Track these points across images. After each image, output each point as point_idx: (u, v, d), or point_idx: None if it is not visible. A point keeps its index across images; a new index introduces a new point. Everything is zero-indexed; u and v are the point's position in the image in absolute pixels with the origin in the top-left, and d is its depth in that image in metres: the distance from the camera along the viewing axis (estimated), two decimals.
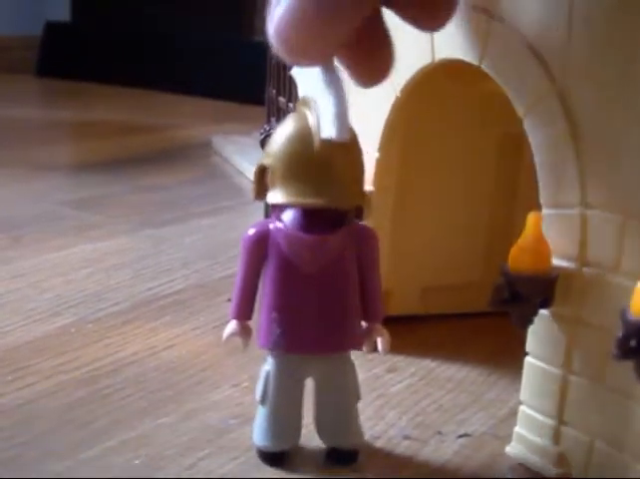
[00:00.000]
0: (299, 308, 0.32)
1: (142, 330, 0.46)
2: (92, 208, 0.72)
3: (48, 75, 1.64)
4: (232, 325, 0.34)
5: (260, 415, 0.34)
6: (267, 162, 0.32)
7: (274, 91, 0.60)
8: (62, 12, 1.69)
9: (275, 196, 0.32)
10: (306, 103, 0.32)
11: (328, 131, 0.31)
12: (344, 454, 0.34)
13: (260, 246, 0.33)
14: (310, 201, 0.31)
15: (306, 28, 0.27)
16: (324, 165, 0.31)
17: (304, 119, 0.31)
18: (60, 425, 0.36)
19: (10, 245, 0.60)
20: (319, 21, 0.27)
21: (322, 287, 0.32)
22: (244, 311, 0.34)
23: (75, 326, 0.46)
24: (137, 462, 0.33)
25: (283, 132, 0.32)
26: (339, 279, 0.33)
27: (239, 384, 0.40)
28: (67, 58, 1.64)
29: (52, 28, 1.69)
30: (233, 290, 0.34)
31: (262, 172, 0.32)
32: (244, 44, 1.42)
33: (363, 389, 0.40)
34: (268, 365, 0.33)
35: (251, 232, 0.33)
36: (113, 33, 1.59)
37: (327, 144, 0.31)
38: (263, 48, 0.65)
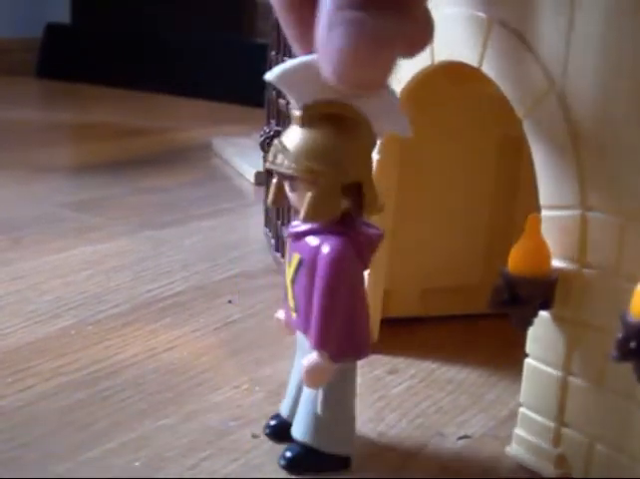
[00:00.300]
0: (367, 308, 0.33)
1: (142, 332, 0.46)
2: (92, 210, 0.72)
3: (48, 77, 1.64)
4: (326, 359, 0.31)
5: (340, 424, 0.33)
6: (357, 177, 0.30)
7: (274, 93, 0.60)
8: (62, 14, 1.69)
9: (378, 205, 0.31)
10: (349, 109, 0.31)
11: (406, 129, 0.32)
12: None
13: (355, 262, 0.31)
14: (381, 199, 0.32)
15: (363, 63, 0.28)
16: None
17: (360, 123, 0.31)
18: (60, 427, 0.36)
19: (10, 247, 0.60)
20: (372, 54, 0.28)
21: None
22: (337, 339, 0.31)
23: (75, 328, 0.46)
24: (137, 464, 0.33)
25: (355, 143, 0.30)
26: None
27: (240, 386, 0.40)
28: (67, 60, 1.64)
29: (52, 30, 1.69)
30: (326, 318, 0.30)
31: (350, 188, 0.31)
32: (244, 45, 1.42)
33: (364, 391, 0.40)
34: (339, 376, 0.32)
35: (347, 250, 0.31)
36: (113, 35, 1.59)
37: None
38: (263, 49, 0.65)
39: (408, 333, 0.47)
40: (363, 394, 0.39)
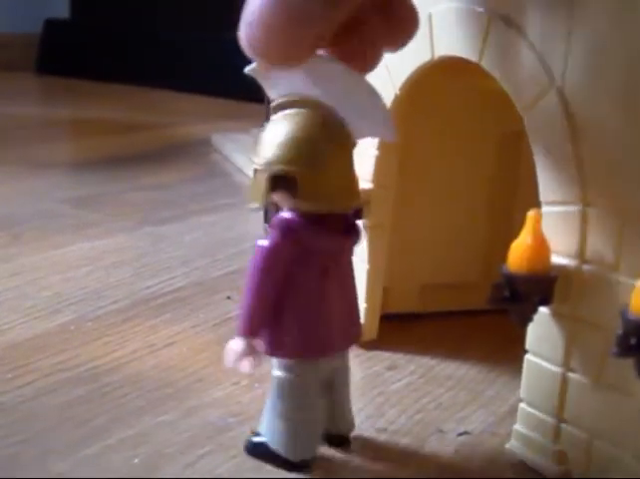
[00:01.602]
0: (329, 309, 0.32)
1: (141, 328, 0.46)
2: (91, 205, 0.72)
3: (47, 72, 1.64)
4: (242, 345, 0.31)
5: (288, 426, 0.33)
6: (291, 169, 0.30)
7: None
8: (61, 10, 1.69)
9: (318, 204, 0.30)
10: (314, 104, 0.31)
11: (387, 134, 0.32)
12: (344, 439, 0.35)
13: (289, 256, 0.31)
14: (355, 202, 0.32)
15: (276, 32, 0.28)
16: (352, 167, 0.32)
17: (321, 119, 0.31)
18: (59, 423, 0.36)
19: (9, 243, 0.60)
20: (288, 25, 0.28)
21: (341, 284, 0.33)
22: (259, 327, 0.32)
23: (74, 324, 0.46)
24: (136, 460, 0.33)
25: (302, 135, 0.30)
26: (350, 272, 0.34)
27: (239, 382, 0.40)
28: (66, 56, 1.64)
29: (51, 26, 1.69)
30: (247, 303, 0.31)
31: (280, 179, 0.30)
32: None
33: (363, 387, 0.40)
34: (286, 374, 0.32)
35: (276, 243, 0.31)
36: (112, 30, 1.59)
37: (350, 146, 0.31)
38: None
39: (407, 329, 0.47)
40: (362, 390, 0.39)
